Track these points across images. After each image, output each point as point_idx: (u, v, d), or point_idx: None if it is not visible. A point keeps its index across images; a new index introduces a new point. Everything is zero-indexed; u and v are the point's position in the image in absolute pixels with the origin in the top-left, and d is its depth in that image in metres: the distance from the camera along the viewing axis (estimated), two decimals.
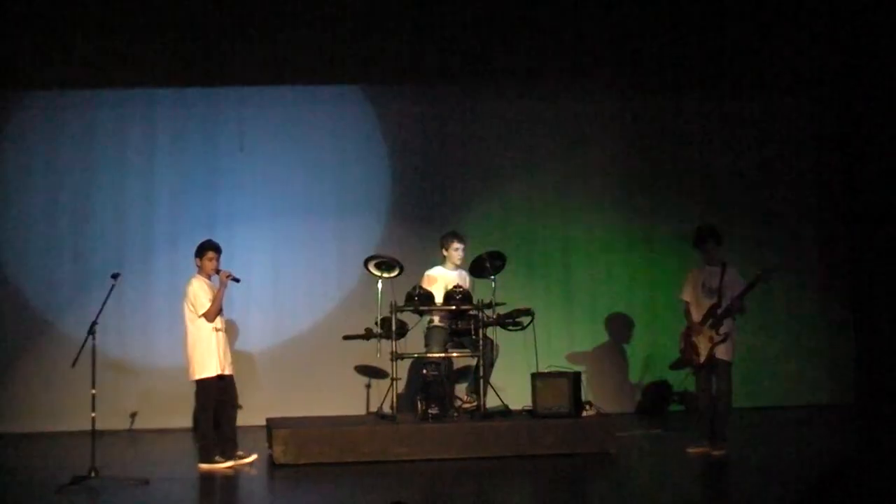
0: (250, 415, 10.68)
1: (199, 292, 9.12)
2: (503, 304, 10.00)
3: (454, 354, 10.14)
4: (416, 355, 10.09)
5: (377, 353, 10.02)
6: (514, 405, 10.19)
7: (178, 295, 9.35)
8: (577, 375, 9.87)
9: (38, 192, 11.95)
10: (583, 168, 12.66)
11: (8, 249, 11.90)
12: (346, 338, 10.61)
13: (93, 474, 8.34)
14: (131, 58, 11.98)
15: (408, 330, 10.12)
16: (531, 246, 12.44)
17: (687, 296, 9.63)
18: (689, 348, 9.50)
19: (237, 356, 10.29)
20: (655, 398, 12.41)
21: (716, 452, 9.32)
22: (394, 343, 9.73)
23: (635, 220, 12.70)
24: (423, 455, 9.22)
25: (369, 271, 10.05)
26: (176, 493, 8.37)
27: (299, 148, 12.30)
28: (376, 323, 9.93)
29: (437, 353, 9.99)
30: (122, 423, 11.58)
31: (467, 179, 12.48)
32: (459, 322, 10.05)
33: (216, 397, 9.14)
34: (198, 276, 9.25)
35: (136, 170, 12.07)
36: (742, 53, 12.85)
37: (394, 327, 9.72)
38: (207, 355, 9.09)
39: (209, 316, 9.07)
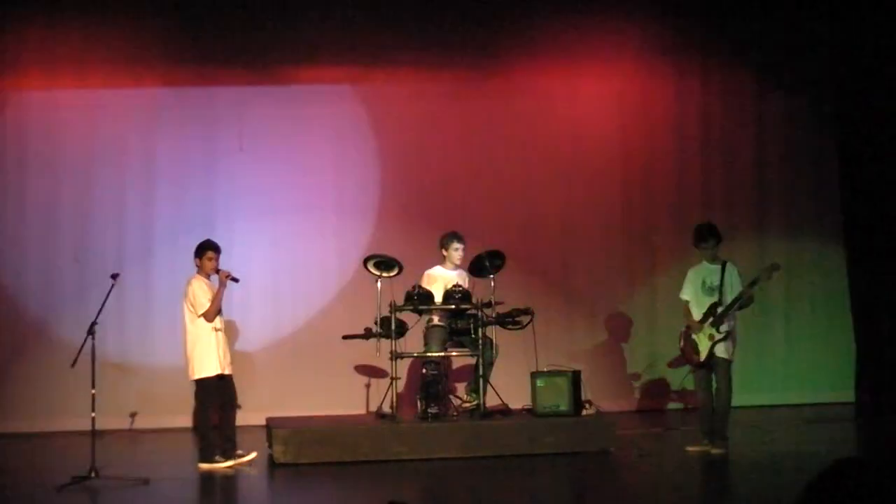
0: (250, 414, 10.69)
1: (199, 292, 9.12)
2: (502, 303, 10.01)
3: (454, 354, 10.15)
4: (415, 354, 10.09)
5: (377, 352, 10.02)
6: (514, 404, 10.20)
7: (178, 295, 9.35)
8: (576, 374, 9.88)
9: (38, 191, 11.95)
10: (583, 167, 12.65)
11: (8, 249, 11.89)
12: (346, 337, 10.59)
13: (93, 474, 8.35)
14: (131, 57, 11.96)
15: (407, 329, 10.12)
16: (531, 245, 12.44)
17: (687, 294, 9.63)
18: (689, 347, 9.50)
19: (236, 356, 10.30)
20: (655, 397, 12.41)
21: (715, 451, 9.33)
22: (393, 342, 9.72)
23: (635, 220, 12.70)
24: (423, 454, 9.21)
25: (369, 270, 10.03)
26: (176, 493, 8.38)
27: (299, 148, 12.29)
28: (376, 322, 9.92)
29: (437, 352, 9.98)
30: (122, 423, 11.57)
31: (467, 179, 12.47)
32: (459, 321, 10.05)
33: (216, 397, 9.15)
34: (197, 275, 9.25)
35: (136, 170, 12.07)
36: (742, 53, 12.85)
37: (393, 326, 9.72)
38: (207, 355, 9.09)
39: (209, 316, 9.07)
